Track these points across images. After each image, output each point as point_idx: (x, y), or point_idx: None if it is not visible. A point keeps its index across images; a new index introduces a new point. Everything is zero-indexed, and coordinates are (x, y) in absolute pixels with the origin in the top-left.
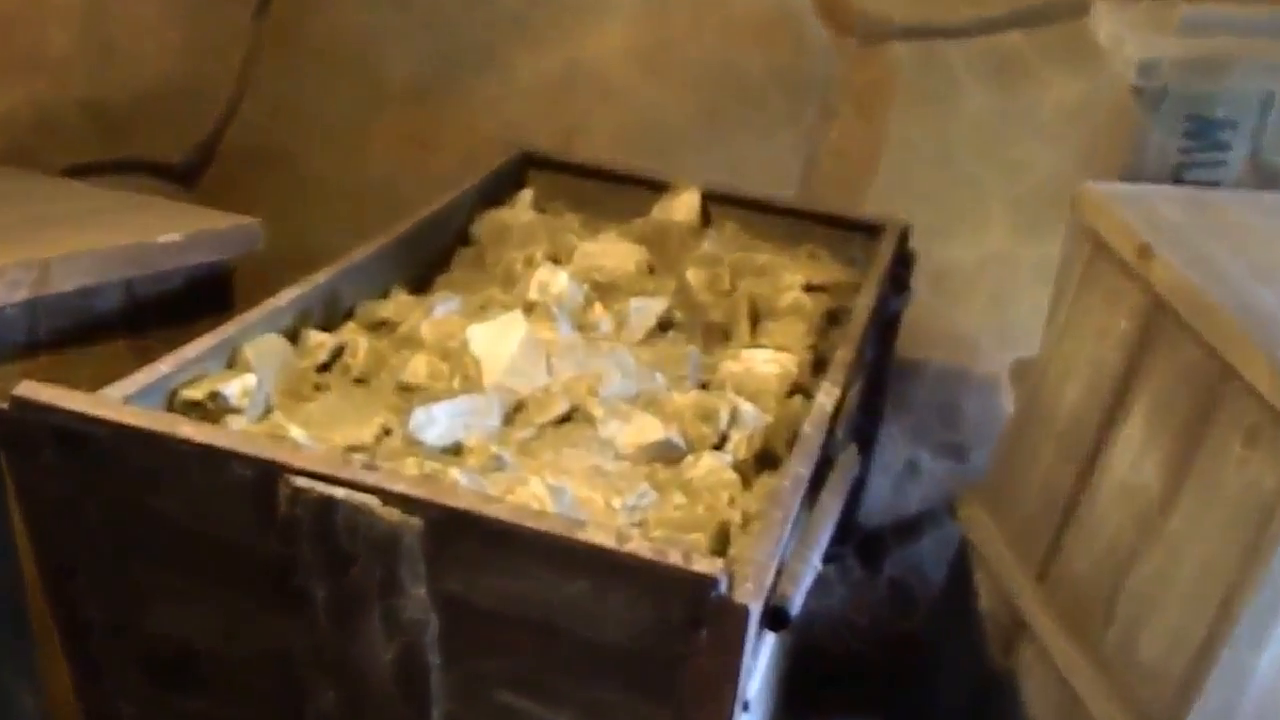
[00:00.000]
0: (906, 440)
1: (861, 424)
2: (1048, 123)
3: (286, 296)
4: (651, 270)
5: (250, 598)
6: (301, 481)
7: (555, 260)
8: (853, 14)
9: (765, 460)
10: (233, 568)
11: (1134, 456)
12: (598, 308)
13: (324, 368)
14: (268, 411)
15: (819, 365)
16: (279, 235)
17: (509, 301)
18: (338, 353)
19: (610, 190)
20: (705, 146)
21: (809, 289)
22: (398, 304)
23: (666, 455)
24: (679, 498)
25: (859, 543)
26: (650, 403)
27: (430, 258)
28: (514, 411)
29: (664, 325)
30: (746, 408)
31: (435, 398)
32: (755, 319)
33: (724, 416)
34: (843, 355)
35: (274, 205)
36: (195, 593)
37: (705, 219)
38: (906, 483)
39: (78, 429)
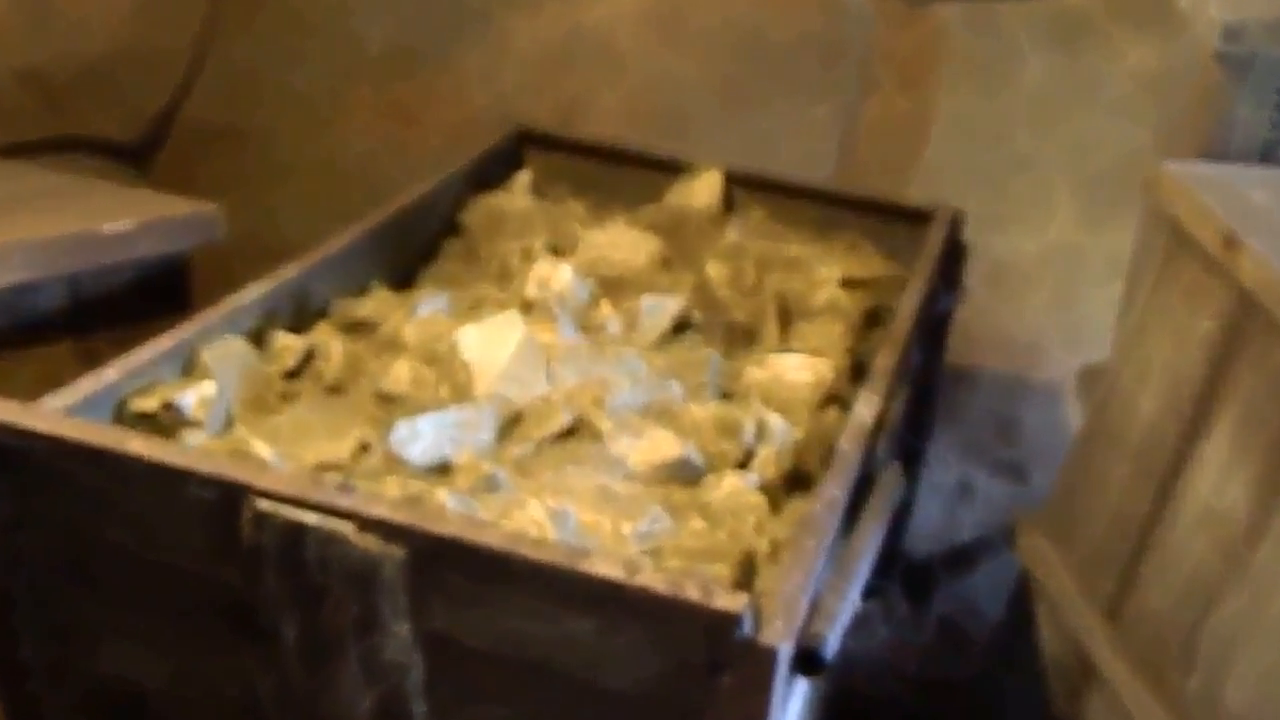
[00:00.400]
0: (958, 458)
1: (907, 439)
2: (1120, 95)
3: (251, 293)
4: (666, 264)
5: (209, 636)
6: (267, 505)
7: (556, 252)
8: None
9: (796, 481)
10: (189, 602)
11: (1218, 477)
12: (605, 306)
13: (293, 374)
14: (229, 425)
15: (858, 372)
16: (242, 223)
17: (504, 299)
18: (309, 357)
19: (619, 172)
20: (727, 123)
21: (847, 285)
22: (377, 302)
23: (683, 475)
24: (697, 523)
25: (904, 575)
26: (664, 415)
27: (414, 249)
28: (510, 424)
29: (680, 326)
30: (775, 421)
31: (420, 409)
32: (785, 319)
33: (749, 431)
34: (885, 360)
35: (237, 189)
36: (146, 630)
37: (728, 205)
38: (958, 506)
39: (13, 444)
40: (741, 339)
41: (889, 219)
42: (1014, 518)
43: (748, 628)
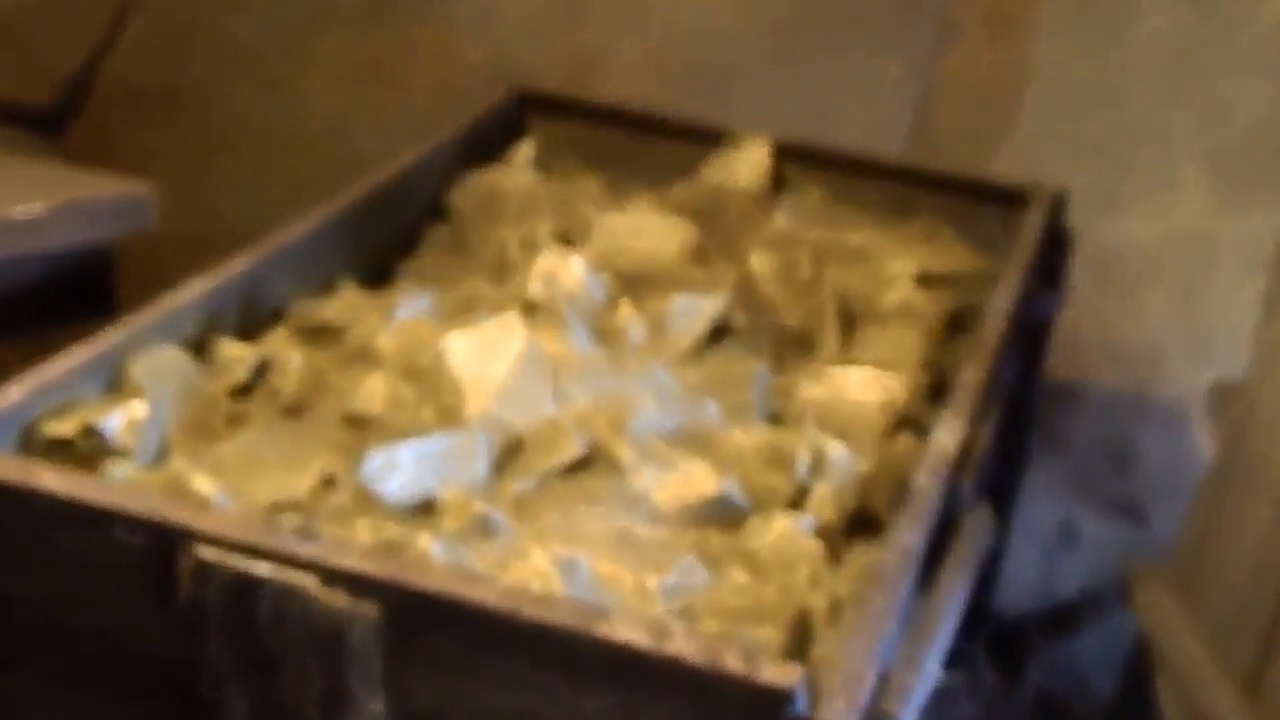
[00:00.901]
0: (1060, 494)
1: (997, 472)
2: (1260, 49)
3: (189, 293)
4: (701, 255)
5: (141, 710)
6: (210, 553)
7: (566, 241)
8: None
9: (861, 524)
10: (116, 672)
11: None
12: (625, 308)
13: (242, 392)
14: (164, 454)
15: (937, 390)
16: (179, 206)
17: (501, 299)
18: (261, 371)
19: (643, 143)
20: (777, 82)
21: (923, 282)
22: (345, 302)
23: (722, 516)
24: (740, 576)
25: (993, 639)
26: (699, 442)
27: (391, 237)
28: (508, 454)
29: (719, 333)
30: (835, 450)
31: (398, 434)
32: (847, 324)
33: (803, 462)
34: (971, 376)
35: (171, 165)
36: (65, 703)
37: (777, 183)
38: (1060, 554)
39: None
40: (794, 348)
41: (975, 200)
42: (1128, 568)
43: (802, 706)
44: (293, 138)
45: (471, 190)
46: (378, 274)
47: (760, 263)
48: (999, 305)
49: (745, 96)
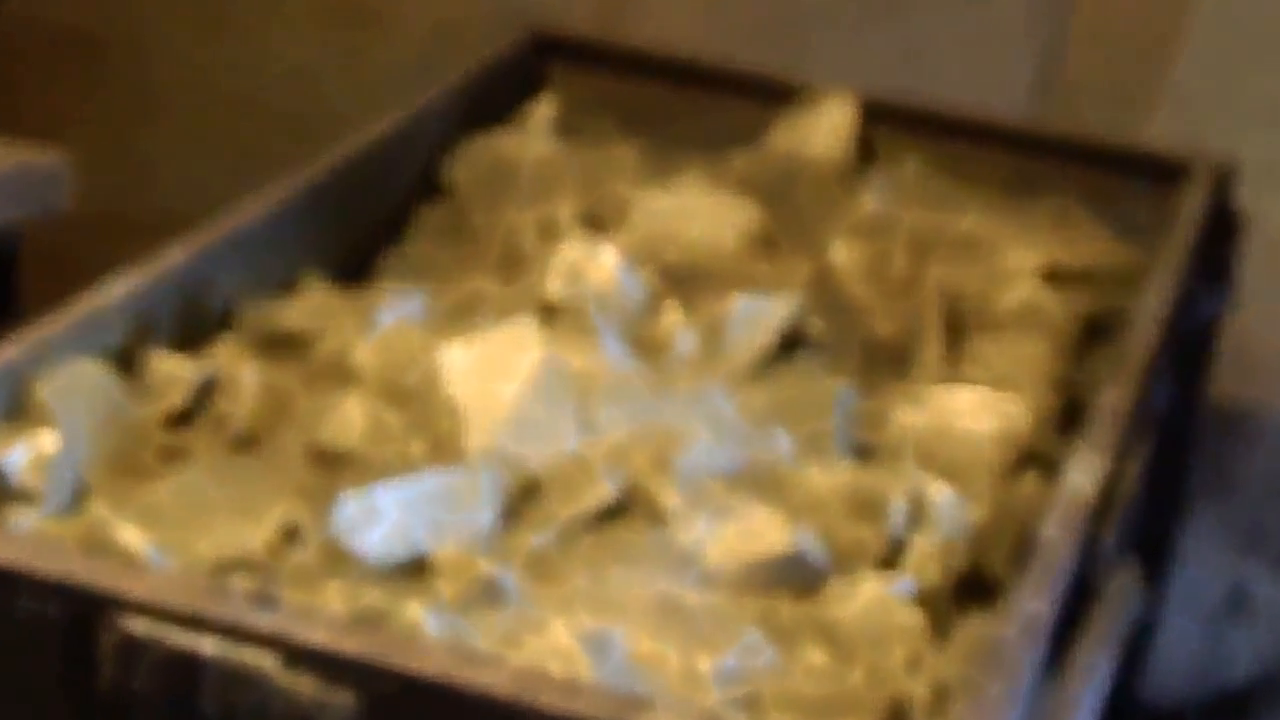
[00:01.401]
0: (1229, 551)
1: (1148, 522)
2: None
3: (114, 291)
4: (768, 245)
5: None
6: (141, 625)
7: (595, 226)
8: None
9: (973, 588)
10: None
11: None
12: (671, 312)
13: (181, 419)
14: (81, 498)
15: (1070, 416)
16: (101, 181)
17: (512, 300)
18: (206, 393)
19: (693, 101)
20: (865, 26)
21: (1053, 278)
22: (313, 304)
23: (794, 579)
24: (817, 655)
25: None
26: (765, 484)
27: (372, 221)
28: (521, 499)
29: (790, 344)
30: (939, 493)
31: (380, 474)
32: (956, 332)
33: (898, 509)
34: (1113, 398)
35: (93, 129)
36: None
37: (866, 152)
38: (1229, 627)
39: None
40: (886, 364)
41: (1118, 174)
42: None
43: None
44: (246, 96)
45: (475, 161)
46: (355, 268)
47: (843, 254)
48: (1149, 307)
49: (824, 45)
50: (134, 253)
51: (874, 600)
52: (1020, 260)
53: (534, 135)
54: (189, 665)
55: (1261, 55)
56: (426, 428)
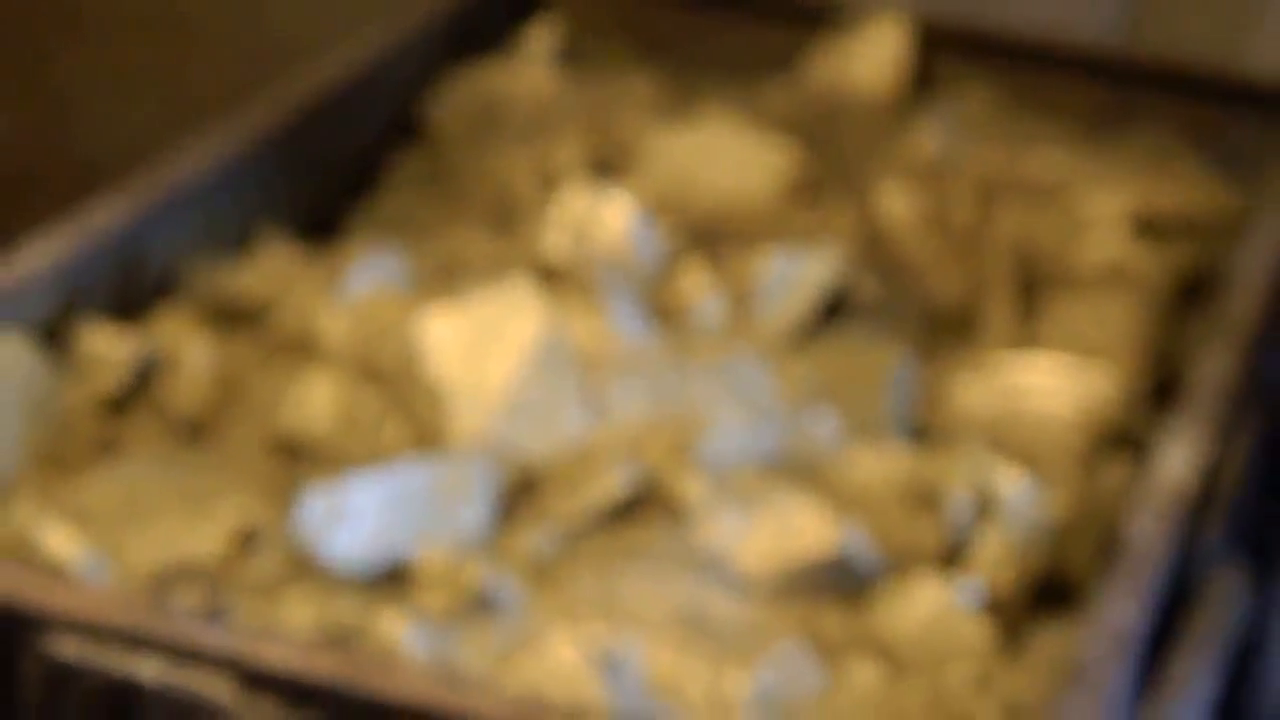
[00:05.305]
0: None
1: (1258, 514)
2: None
3: (38, 256)
4: (807, 192)
5: None
6: (71, 645)
7: (604, 172)
8: None
9: (1051, 594)
10: None
11: None
12: (695, 273)
13: (118, 403)
14: (3, 496)
15: (1165, 390)
16: (24, 126)
17: (505, 259)
18: (146, 373)
19: (718, 23)
20: None
21: (1143, 228)
22: (270, 267)
23: (839, 583)
24: (866, 672)
25: None
26: (806, 473)
27: (338, 169)
28: (518, 494)
29: (834, 308)
30: (1012, 483)
31: (351, 466)
32: (1030, 293)
33: (963, 501)
34: (1215, 369)
35: (21, 69)
36: None
37: (924, 84)
38: None
39: None
40: (948, 331)
41: (1219, 105)
42: None
43: None
44: (182, 21)
45: (461, 97)
46: (319, 224)
47: (897, 203)
48: (1257, 262)
49: None
50: (56, 212)
51: (934, 609)
52: (1105, 207)
53: (530, 65)
54: (127, 694)
55: None
56: (406, 411)
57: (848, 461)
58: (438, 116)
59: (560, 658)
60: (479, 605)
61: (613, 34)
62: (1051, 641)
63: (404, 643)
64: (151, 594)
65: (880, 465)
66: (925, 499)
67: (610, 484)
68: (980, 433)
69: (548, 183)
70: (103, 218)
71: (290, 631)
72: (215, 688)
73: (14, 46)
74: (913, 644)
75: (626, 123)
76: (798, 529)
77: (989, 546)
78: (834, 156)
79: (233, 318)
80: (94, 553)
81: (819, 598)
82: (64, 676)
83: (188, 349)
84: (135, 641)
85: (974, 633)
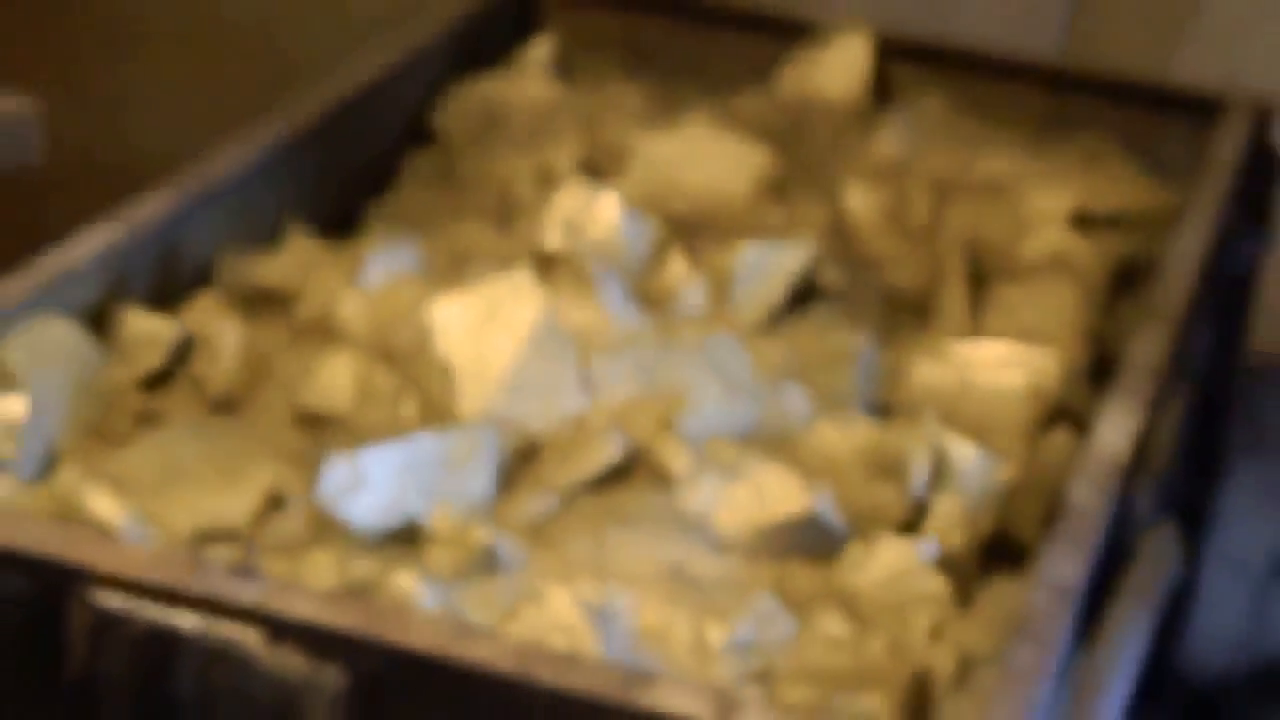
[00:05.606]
0: (1273, 513)
1: (1186, 481)
2: None
3: (86, 246)
4: (780, 190)
5: None
6: (115, 600)
7: (596, 172)
8: None
9: (1000, 553)
10: None
11: None
12: (677, 263)
13: (158, 381)
14: (51, 465)
15: (1101, 369)
16: (70, 129)
17: (507, 251)
18: (184, 353)
19: (700, 37)
20: None
21: (1082, 223)
22: (296, 258)
23: (811, 544)
24: (834, 625)
25: (1183, 708)
26: (779, 444)
27: (357, 169)
28: (519, 462)
29: (804, 295)
30: (963, 452)
31: (369, 438)
32: (980, 282)
33: (920, 469)
34: (1147, 349)
35: (60, 72)
36: None
37: (883, 91)
38: (1274, 596)
39: None
40: (906, 316)
41: (1151, 112)
42: None
43: None
44: (223, 33)
45: (467, 105)
46: (340, 219)
47: (860, 200)
48: (1184, 253)
49: None
50: (104, 205)
51: (895, 566)
52: (1048, 204)
53: (529, 77)
54: (166, 642)
55: None
56: (418, 388)
57: (817, 434)
58: (446, 123)
59: (558, 610)
60: (484, 563)
61: (604, 49)
62: (1001, 596)
63: (416, 597)
64: (188, 553)
65: (846, 437)
66: (887, 468)
67: (602, 454)
68: (936, 408)
69: (545, 182)
70: (145, 212)
71: (313, 587)
72: (246, 637)
73: (78, 60)
74: (875, 598)
75: (616, 128)
76: (772, 494)
77: (944, 510)
78: (804, 158)
79: (262, 303)
80: (135, 515)
81: (791, 556)
82: (109, 626)
83: (221, 331)
84: (173, 596)
85: (931, 588)
